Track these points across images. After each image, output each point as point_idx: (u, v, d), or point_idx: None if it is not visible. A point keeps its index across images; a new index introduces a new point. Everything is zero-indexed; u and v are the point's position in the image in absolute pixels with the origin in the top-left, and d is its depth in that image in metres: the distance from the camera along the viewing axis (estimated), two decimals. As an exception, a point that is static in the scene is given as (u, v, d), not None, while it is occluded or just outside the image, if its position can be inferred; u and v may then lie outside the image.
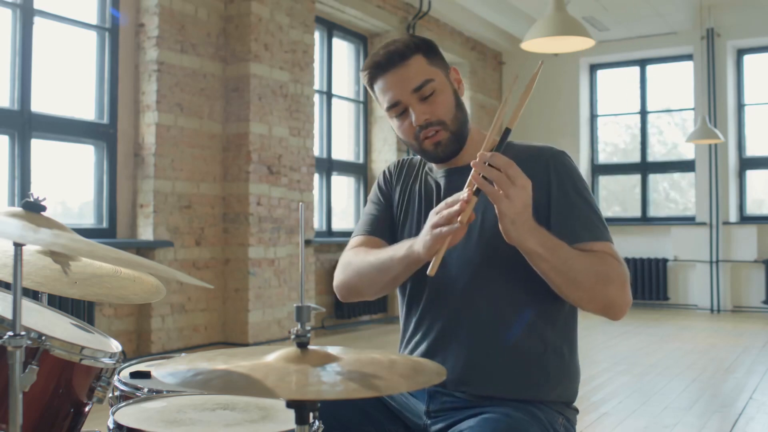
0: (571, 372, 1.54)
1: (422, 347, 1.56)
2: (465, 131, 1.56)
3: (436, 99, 1.51)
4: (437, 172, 1.63)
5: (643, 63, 9.48)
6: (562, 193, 1.47)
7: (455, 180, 1.56)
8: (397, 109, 1.52)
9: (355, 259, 1.60)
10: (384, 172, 1.75)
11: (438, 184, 1.61)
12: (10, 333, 1.16)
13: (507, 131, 1.35)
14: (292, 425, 1.00)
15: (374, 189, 1.74)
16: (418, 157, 1.69)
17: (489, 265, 1.49)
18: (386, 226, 1.67)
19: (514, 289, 1.49)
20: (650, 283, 8.93)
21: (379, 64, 1.53)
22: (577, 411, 1.56)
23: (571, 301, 1.44)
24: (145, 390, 1.43)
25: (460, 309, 1.51)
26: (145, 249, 5.12)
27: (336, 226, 7.52)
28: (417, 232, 1.55)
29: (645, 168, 9.51)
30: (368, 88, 1.59)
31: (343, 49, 7.82)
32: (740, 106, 8.99)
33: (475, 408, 1.45)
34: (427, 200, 1.62)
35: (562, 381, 1.51)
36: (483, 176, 1.30)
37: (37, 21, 4.74)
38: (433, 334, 1.54)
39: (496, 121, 1.38)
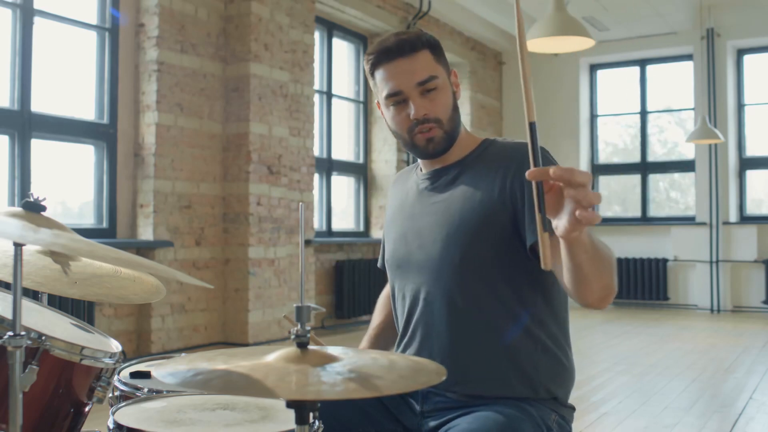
0: (564, 370, 1.54)
1: (410, 349, 1.57)
2: (457, 133, 1.57)
3: (436, 96, 1.52)
4: (421, 175, 1.64)
5: (643, 63, 9.47)
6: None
7: (440, 177, 1.59)
8: (396, 99, 1.52)
9: (375, 311, 1.87)
10: (388, 194, 1.80)
11: (417, 186, 1.64)
12: (10, 333, 1.16)
13: (531, 126, 1.09)
14: (292, 425, 1.00)
15: None
16: (411, 165, 1.73)
17: (470, 265, 1.49)
18: None
19: (501, 289, 1.48)
20: (650, 283, 8.92)
21: (388, 50, 1.52)
22: (573, 409, 1.57)
23: (580, 293, 1.29)
24: (145, 390, 1.43)
25: (443, 310, 1.51)
26: (145, 249, 5.12)
27: (336, 226, 7.51)
28: (397, 244, 1.62)
29: (645, 168, 9.51)
30: (368, 73, 1.58)
31: (343, 49, 7.81)
32: (740, 106, 8.98)
33: (468, 408, 1.46)
34: (404, 204, 1.66)
35: (555, 379, 1.51)
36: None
37: (37, 21, 4.74)
38: (419, 336, 1.56)
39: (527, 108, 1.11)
